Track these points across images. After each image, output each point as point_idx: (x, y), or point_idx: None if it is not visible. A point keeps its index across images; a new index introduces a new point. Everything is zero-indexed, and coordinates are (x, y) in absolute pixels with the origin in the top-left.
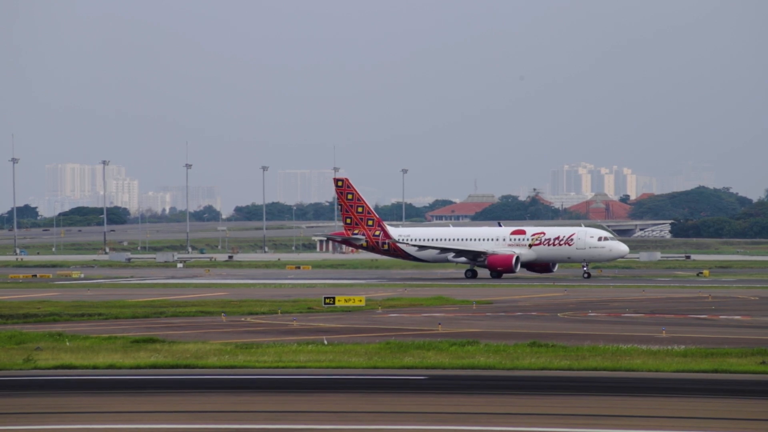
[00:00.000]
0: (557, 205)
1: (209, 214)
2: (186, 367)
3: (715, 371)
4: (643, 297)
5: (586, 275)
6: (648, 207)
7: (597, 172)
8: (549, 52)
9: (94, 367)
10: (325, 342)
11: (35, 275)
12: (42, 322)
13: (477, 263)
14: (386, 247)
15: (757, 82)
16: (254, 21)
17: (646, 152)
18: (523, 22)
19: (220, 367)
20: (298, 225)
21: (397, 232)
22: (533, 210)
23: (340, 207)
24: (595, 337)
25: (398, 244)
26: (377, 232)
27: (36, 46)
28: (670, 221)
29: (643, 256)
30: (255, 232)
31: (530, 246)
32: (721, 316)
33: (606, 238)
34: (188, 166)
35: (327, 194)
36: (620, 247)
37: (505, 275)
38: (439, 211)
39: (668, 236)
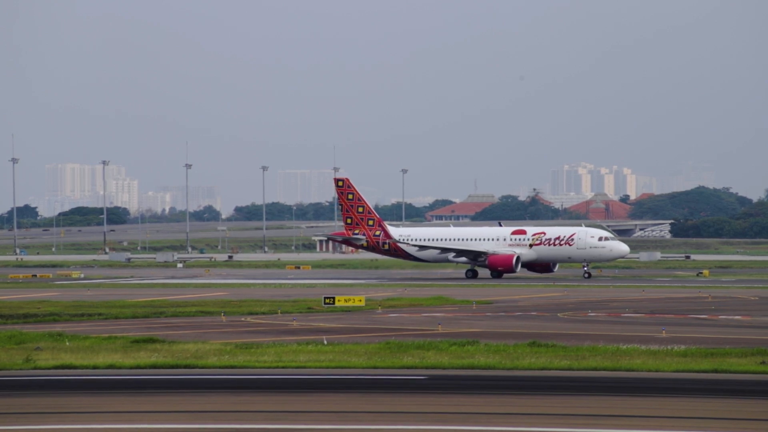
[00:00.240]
0: (557, 205)
1: (209, 214)
2: (186, 367)
3: (715, 371)
4: (643, 297)
5: (586, 275)
6: (648, 207)
7: (597, 172)
8: (549, 52)
9: (94, 367)
10: (325, 342)
11: (35, 275)
12: (42, 322)
13: (477, 263)
14: (387, 247)
15: (757, 82)
16: (254, 21)
17: (646, 152)
18: (523, 22)
19: (220, 367)
20: (298, 225)
21: (398, 232)
22: (533, 210)
23: (340, 207)
24: (595, 337)
25: (399, 244)
26: (378, 232)
27: (36, 46)
28: (670, 221)
29: (643, 256)
30: (255, 232)
31: (531, 246)
32: (721, 316)
33: (607, 238)
34: (188, 166)
35: (327, 194)
36: (621, 247)
37: (505, 275)
38: (439, 211)
39: (668, 236)
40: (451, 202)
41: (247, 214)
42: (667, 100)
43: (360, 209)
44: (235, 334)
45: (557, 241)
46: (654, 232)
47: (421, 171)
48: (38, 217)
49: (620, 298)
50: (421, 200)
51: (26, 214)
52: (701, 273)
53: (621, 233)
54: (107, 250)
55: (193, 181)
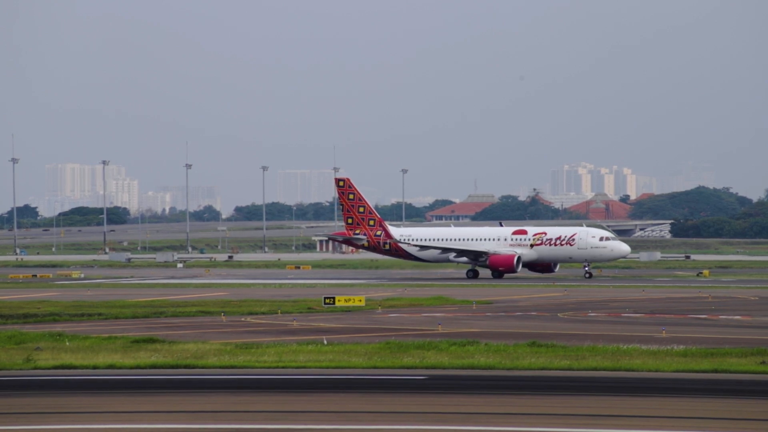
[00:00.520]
0: (557, 205)
1: (209, 214)
2: (186, 367)
3: (715, 371)
4: (643, 297)
5: (587, 275)
6: (648, 207)
7: (597, 172)
8: (549, 52)
9: (94, 367)
10: (325, 342)
11: (35, 275)
12: (42, 322)
13: (478, 263)
14: (387, 247)
15: (757, 83)
16: (254, 21)
17: (646, 152)
18: (523, 22)
19: (220, 367)
20: (298, 225)
21: (399, 232)
22: (533, 210)
23: (341, 207)
24: (595, 337)
25: (400, 244)
26: (379, 232)
27: (36, 46)
28: (670, 221)
29: (643, 256)
30: (255, 232)
31: (532, 246)
32: (721, 316)
33: (608, 238)
34: (188, 166)
35: (327, 194)
36: (622, 247)
37: (506, 275)
38: (439, 211)
39: (668, 236)
40: (451, 202)
41: (247, 214)
42: (667, 100)
43: (361, 209)
44: (235, 334)
45: (558, 241)
46: (654, 232)
47: (421, 171)
48: (38, 217)
49: (620, 298)
50: (421, 200)
51: (26, 214)
52: (701, 273)
53: (621, 233)
54: (107, 250)
55: (193, 181)
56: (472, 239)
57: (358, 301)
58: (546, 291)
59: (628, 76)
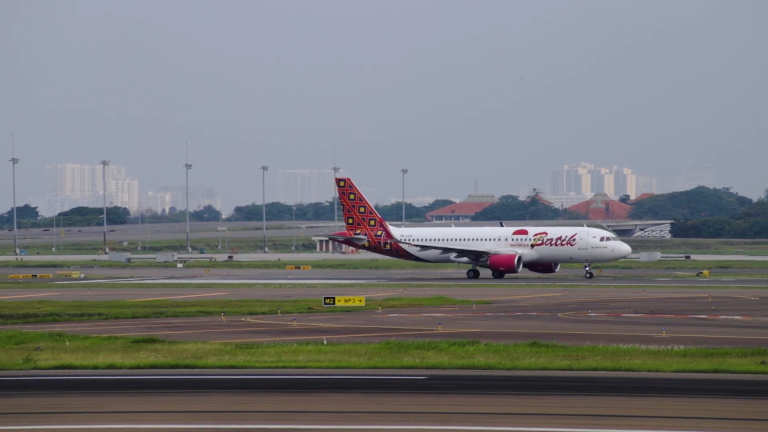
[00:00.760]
0: (557, 205)
1: (209, 214)
2: (186, 367)
3: (715, 371)
4: (643, 297)
5: (588, 275)
6: (648, 207)
7: (597, 172)
8: (549, 52)
9: (94, 367)
10: (325, 342)
11: (35, 275)
12: (42, 322)
13: (479, 263)
14: (388, 247)
15: (757, 82)
16: (254, 21)
17: (646, 152)
18: (523, 22)
19: (220, 367)
20: (298, 225)
21: (399, 232)
22: (533, 210)
23: (342, 207)
24: (595, 337)
25: (400, 244)
26: (379, 232)
27: (36, 46)
28: (670, 221)
29: (643, 256)
30: (255, 232)
31: (532, 246)
32: (721, 316)
33: (608, 238)
34: (188, 166)
35: (327, 194)
36: (622, 247)
37: (507, 275)
38: (439, 211)
39: (668, 236)
40: (451, 202)
41: (247, 214)
42: (667, 100)
43: (362, 209)
44: (235, 334)
45: (559, 241)
46: (654, 232)
47: (421, 171)
48: (38, 217)
49: (620, 298)
50: (421, 200)
51: (26, 214)
52: (701, 273)
53: (621, 233)
54: (107, 250)
55: (193, 181)
56: (472, 239)
57: (358, 301)
58: (546, 291)
59: (628, 76)
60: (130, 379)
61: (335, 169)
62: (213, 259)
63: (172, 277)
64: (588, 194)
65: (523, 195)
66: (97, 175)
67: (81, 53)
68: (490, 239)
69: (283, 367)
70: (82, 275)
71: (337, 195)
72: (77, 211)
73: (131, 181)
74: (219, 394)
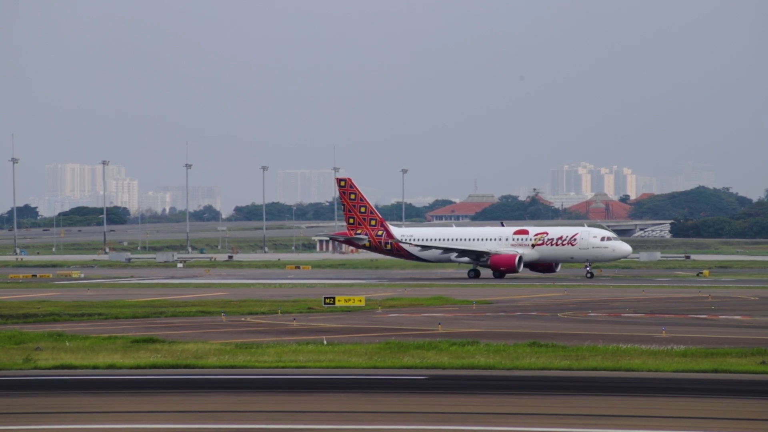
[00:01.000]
0: (557, 205)
1: (209, 214)
2: (186, 367)
3: (715, 371)
4: (643, 297)
5: (588, 275)
6: (648, 207)
7: (597, 172)
8: (549, 52)
9: (94, 367)
10: (325, 342)
11: (35, 275)
12: (42, 322)
13: (480, 263)
14: (389, 247)
15: (757, 83)
16: (254, 21)
17: (646, 152)
18: (523, 22)
19: (220, 367)
20: (298, 225)
21: (400, 232)
22: (533, 210)
23: (342, 207)
24: (595, 337)
25: (401, 244)
26: (380, 232)
27: (36, 46)
28: (670, 221)
29: (643, 256)
30: (255, 232)
31: (533, 246)
32: (721, 316)
33: (609, 238)
34: (188, 166)
35: (327, 194)
36: (623, 247)
37: (508, 275)
38: (439, 211)
39: (668, 236)
40: (451, 202)
41: (247, 214)
42: (667, 100)
43: (362, 209)
44: (235, 334)
45: (560, 241)
46: (654, 232)
47: (421, 171)
48: (38, 217)
49: (620, 298)
50: (421, 200)
51: (26, 214)
52: (701, 273)
53: (621, 233)
54: (107, 250)
55: (193, 181)
56: (473, 239)
57: (358, 301)
58: (546, 291)
59: (628, 76)
60: (130, 379)
61: (335, 169)
62: (213, 259)
63: (172, 277)
64: (588, 194)
65: (523, 195)
66: (97, 175)
67: (81, 53)
68: (490, 239)
69: (283, 367)
70: (82, 275)
71: (338, 195)
72: (77, 211)
73: (131, 181)
74: (219, 394)
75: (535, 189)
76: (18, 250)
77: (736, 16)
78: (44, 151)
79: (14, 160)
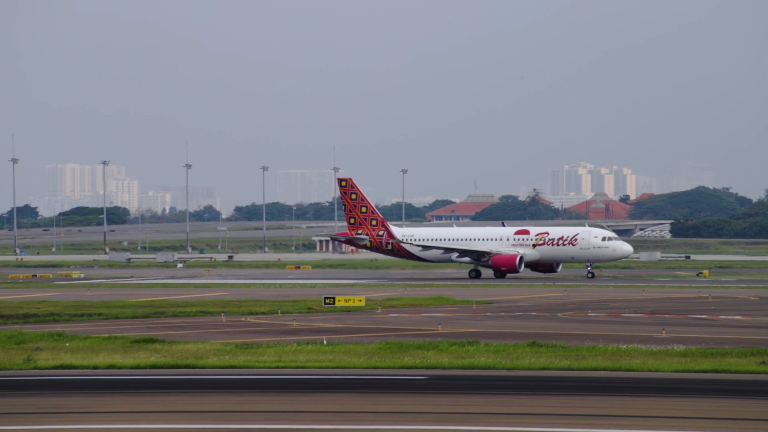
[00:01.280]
0: (557, 205)
1: (209, 214)
2: (186, 367)
3: (715, 371)
4: (643, 297)
5: (590, 275)
6: (648, 207)
7: (597, 172)
8: (549, 52)
9: (94, 367)
10: (325, 342)
11: (35, 275)
12: (42, 322)
13: (481, 263)
14: (390, 247)
15: (757, 83)
16: (255, 21)
17: (646, 152)
18: (524, 22)
19: (220, 367)
20: (298, 225)
21: (401, 232)
22: (533, 210)
23: (343, 207)
24: (595, 337)
25: (402, 244)
26: (381, 232)
27: (36, 46)
28: (670, 221)
29: (643, 256)
30: (255, 232)
31: (534, 246)
32: (721, 316)
33: (610, 239)
34: (188, 166)
35: (327, 194)
36: (624, 248)
37: (509, 275)
38: (439, 211)
39: (668, 236)
40: (451, 202)
41: (247, 214)
42: (667, 100)
43: (363, 209)
44: (235, 334)
45: (561, 241)
46: (654, 232)
47: (421, 171)
48: (38, 217)
49: (620, 298)
50: (421, 200)
51: (26, 214)
52: (701, 273)
53: (621, 233)
54: (107, 250)
55: (193, 181)
56: (474, 239)
57: (358, 301)
58: (546, 291)
59: (628, 77)
60: (130, 379)
61: (335, 169)
62: (213, 259)
63: (173, 277)
64: (588, 194)
65: (523, 195)
66: (97, 175)
67: (81, 53)
68: (491, 239)
69: (283, 367)
70: (82, 275)
71: (339, 195)
72: (77, 211)
73: (131, 181)
74: (219, 394)
75: (535, 189)
76: (18, 250)
77: (737, 16)
78: (44, 151)
79: (14, 160)
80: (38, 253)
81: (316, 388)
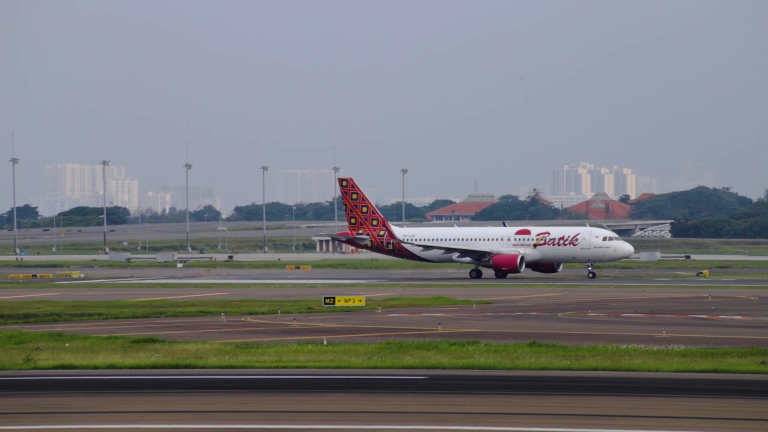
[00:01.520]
0: (557, 205)
1: (209, 214)
2: (186, 367)
3: (715, 371)
4: (643, 297)
5: (590, 275)
6: (648, 207)
7: (597, 172)
8: (549, 52)
9: (94, 367)
10: (325, 342)
11: (35, 275)
12: (42, 322)
13: (482, 263)
14: (391, 247)
15: (757, 83)
16: (255, 21)
17: (646, 152)
18: (523, 22)
19: (220, 367)
20: (298, 225)
21: (402, 232)
22: (533, 210)
23: (344, 207)
24: (595, 337)
25: (403, 244)
26: (382, 232)
27: (36, 46)
28: (670, 221)
29: (643, 256)
30: (255, 232)
31: (535, 246)
32: (721, 316)
33: (611, 238)
34: (188, 166)
35: (327, 194)
36: (625, 247)
37: (509, 275)
38: (439, 211)
39: (668, 236)
40: (451, 202)
41: (247, 214)
42: (667, 100)
43: (364, 209)
44: (235, 334)
45: (561, 241)
46: (654, 232)
47: (421, 171)
48: (38, 217)
49: (620, 298)
50: (421, 200)
51: (26, 214)
52: (701, 273)
53: (621, 233)
54: (107, 250)
55: (193, 181)
56: (475, 239)
57: (358, 301)
58: (546, 291)
59: (628, 77)
60: (130, 379)
61: (335, 169)
62: (213, 259)
63: (172, 277)
64: (588, 194)
65: (523, 195)
66: (97, 175)
67: (81, 53)
68: (492, 239)
69: (283, 367)
70: (82, 275)
71: (339, 195)
72: (77, 211)
73: (131, 181)
74: (219, 394)
75: (535, 189)
76: (18, 250)
77: (737, 16)
78: (44, 151)
79: (14, 160)
80: (38, 253)
81: (316, 388)
